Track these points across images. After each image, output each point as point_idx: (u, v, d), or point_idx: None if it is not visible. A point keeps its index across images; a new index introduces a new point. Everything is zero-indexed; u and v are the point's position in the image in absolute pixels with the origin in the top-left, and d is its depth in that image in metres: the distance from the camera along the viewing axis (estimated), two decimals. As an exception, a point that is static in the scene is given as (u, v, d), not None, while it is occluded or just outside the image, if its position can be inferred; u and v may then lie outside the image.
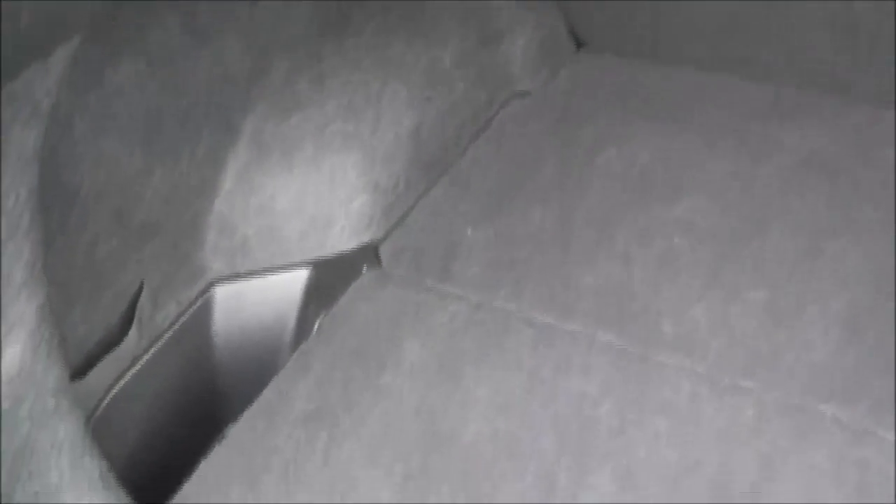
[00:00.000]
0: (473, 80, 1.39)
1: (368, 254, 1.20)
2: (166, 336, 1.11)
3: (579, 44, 1.51)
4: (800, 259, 1.16)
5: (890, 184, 1.23)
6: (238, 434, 1.02)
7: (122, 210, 1.07)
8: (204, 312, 1.15)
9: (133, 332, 1.07)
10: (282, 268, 1.19)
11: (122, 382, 1.07)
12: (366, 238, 1.22)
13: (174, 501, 0.98)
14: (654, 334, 1.07)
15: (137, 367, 1.08)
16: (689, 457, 0.96)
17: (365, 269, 1.18)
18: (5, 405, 0.80)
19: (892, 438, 0.96)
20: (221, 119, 1.19)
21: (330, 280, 1.18)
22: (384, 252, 1.20)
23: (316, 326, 1.12)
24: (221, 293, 1.16)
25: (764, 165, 1.30)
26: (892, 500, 0.92)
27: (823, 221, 1.21)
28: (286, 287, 1.18)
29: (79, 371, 1.00)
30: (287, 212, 1.20)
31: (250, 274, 1.18)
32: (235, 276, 1.17)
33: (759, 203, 1.25)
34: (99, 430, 0.98)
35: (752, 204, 1.25)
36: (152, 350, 1.09)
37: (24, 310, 0.80)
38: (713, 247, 1.18)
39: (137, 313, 1.08)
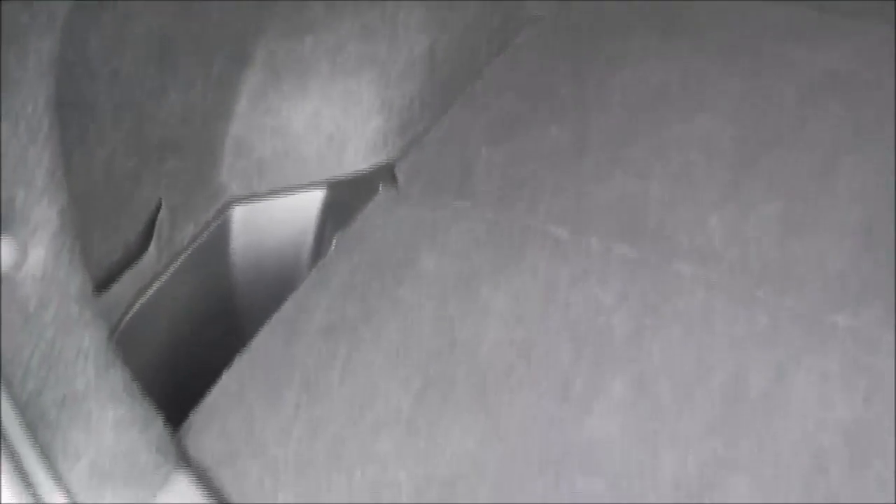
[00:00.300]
0: (488, 4, 1.40)
1: (384, 173, 1.22)
2: (185, 254, 1.13)
3: (593, -31, 1.52)
4: (815, 173, 1.17)
5: (907, 101, 1.24)
6: (258, 346, 1.04)
7: (139, 129, 1.09)
8: (222, 232, 1.17)
9: (152, 249, 1.09)
10: (298, 188, 1.20)
11: (142, 300, 1.09)
12: (381, 158, 1.23)
13: (197, 412, 1.00)
14: (669, 246, 1.09)
15: (157, 284, 1.10)
16: (702, 363, 0.98)
17: (381, 188, 1.19)
18: (31, 307, 0.82)
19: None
20: (235, 41, 1.20)
21: (346, 199, 1.19)
22: (400, 171, 1.22)
23: (333, 244, 1.14)
24: (239, 213, 1.18)
25: (780, 84, 1.31)
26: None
27: (839, 137, 1.22)
28: (303, 207, 1.20)
29: (100, 286, 1.02)
30: (302, 133, 1.22)
31: (267, 194, 1.20)
32: (253, 197, 1.19)
33: (776, 120, 1.26)
34: (121, 344, 1.00)
35: (769, 121, 1.26)
36: (172, 268, 1.12)
37: (47, 214, 0.81)
38: (729, 162, 1.19)
39: (156, 231, 1.10)
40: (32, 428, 0.87)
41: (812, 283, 1.05)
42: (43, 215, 0.81)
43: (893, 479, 0.89)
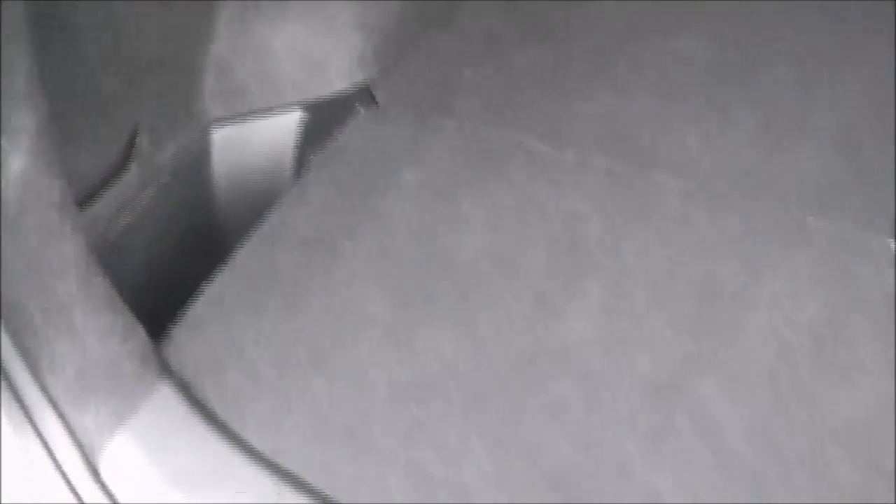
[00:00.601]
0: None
1: (364, 94, 1.27)
2: (167, 174, 1.19)
3: None
4: (798, 86, 1.22)
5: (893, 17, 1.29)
6: (239, 259, 1.10)
7: (119, 49, 1.14)
8: (203, 153, 1.23)
9: (134, 169, 1.14)
10: (278, 109, 1.26)
11: (124, 217, 1.15)
12: (360, 79, 1.28)
13: (178, 324, 1.06)
14: (647, 158, 1.14)
15: (140, 202, 1.16)
16: (677, 266, 1.03)
17: (361, 108, 1.25)
18: (12, 212, 0.87)
19: (875, 246, 1.03)
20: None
21: (326, 120, 1.25)
22: (379, 92, 1.27)
23: (312, 162, 1.20)
24: (220, 135, 1.24)
25: (765, 1, 1.36)
26: (871, 302, 1.00)
27: (819, 51, 1.27)
28: (283, 128, 1.25)
29: (81, 202, 1.08)
30: (282, 54, 1.27)
31: (248, 115, 1.25)
32: (233, 118, 1.24)
33: (760, 37, 1.31)
34: (104, 260, 1.06)
35: (752, 39, 1.31)
36: (153, 187, 1.17)
37: (26, 120, 0.86)
38: (710, 78, 1.25)
39: (136, 151, 1.15)
40: (18, 335, 0.92)
41: (789, 190, 1.10)
42: (22, 122, 0.86)
43: (859, 375, 0.95)
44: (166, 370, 1.02)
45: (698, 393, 0.94)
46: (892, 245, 1.05)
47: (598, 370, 0.96)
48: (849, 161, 1.13)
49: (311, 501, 0.91)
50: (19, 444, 0.93)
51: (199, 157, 1.23)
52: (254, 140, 1.25)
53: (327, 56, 1.28)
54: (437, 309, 1.03)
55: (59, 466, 0.94)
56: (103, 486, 0.95)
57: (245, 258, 1.10)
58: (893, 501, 0.89)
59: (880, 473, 0.90)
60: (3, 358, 0.92)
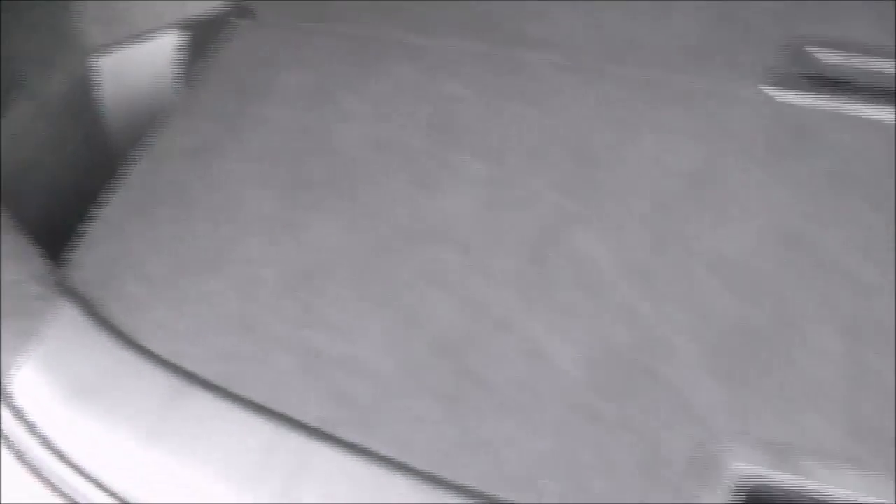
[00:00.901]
0: None
1: (240, 9, 1.30)
2: (56, 105, 1.22)
3: None
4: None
5: None
6: (130, 177, 1.13)
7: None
8: (89, 82, 1.26)
9: (23, 101, 1.17)
10: (158, 31, 1.29)
11: (18, 153, 1.18)
12: (237, -6, 1.32)
13: (74, 245, 1.09)
14: (520, 38, 1.19)
15: (33, 136, 1.19)
16: (552, 134, 1.08)
17: (237, 21, 1.28)
18: None
19: (748, 94, 1.08)
20: None
21: (205, 37, 1.28)
22: (256, 4, 1.30)
23: (193, 75, 1.23)
24: (105, 62, 1.27)
25: None
26: (746, 146, 1.04)
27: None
28: (164, 49, 1.29)
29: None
30: (158, -24, 1.30)
31: (129, 40, 1.28)
32: (115, 44, 1.27)
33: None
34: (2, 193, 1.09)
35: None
36: (44, 119, 1.20)
37: None
38: None
39: (23, 83, 1.18)
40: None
41: (664, 54, 1.15)
42: None
43: (736, 212, 0.99)
44: (67, 289, 1.05)
45: (576, 245, 0.98)
46: (765, 90, 1.10)
47: (479, 236, 1.01)
48: (726, 24, 1.17)
49: (212, 396, 0.95)
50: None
51: (87, 85, 1.26)
52: (137, 63, 1.28)
53: (203, -25, 1.31)
54: (322, 199, 1.07)
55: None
56: (15, 409, 0.98)
57: (135, 175, 1.13)
58: (767, 326, 0.94)
59: (757, 302, 0.95)
60: None
